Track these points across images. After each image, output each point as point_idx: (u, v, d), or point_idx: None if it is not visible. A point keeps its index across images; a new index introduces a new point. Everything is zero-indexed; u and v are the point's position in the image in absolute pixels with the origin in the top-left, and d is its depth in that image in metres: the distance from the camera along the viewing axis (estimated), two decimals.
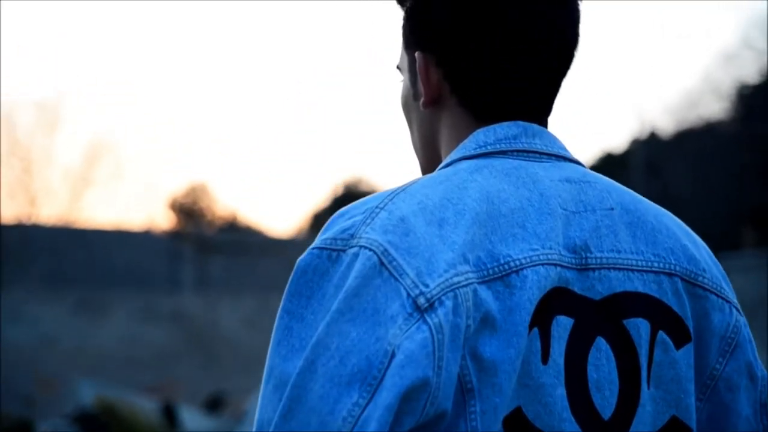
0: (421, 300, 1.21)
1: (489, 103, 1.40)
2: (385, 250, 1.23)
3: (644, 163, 24.30)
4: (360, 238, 1.24)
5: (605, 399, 1.29)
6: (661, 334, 1.33)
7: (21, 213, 27.05)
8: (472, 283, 1.24)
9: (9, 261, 19.06)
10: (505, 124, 1.38)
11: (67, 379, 15.33)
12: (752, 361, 1.40)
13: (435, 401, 1.20)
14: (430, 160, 1.46)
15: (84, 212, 42.60)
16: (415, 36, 1.44)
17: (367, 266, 1.22)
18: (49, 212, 31.78)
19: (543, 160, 1.37)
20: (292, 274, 1.25)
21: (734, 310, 1.40)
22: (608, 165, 25.11)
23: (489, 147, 1.36)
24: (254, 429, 1.22)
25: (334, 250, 1.24)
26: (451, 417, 1.23)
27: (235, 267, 20.38)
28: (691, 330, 1.35)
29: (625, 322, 1.32)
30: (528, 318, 1.25)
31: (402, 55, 1.49)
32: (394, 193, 1.29)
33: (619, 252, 1.34)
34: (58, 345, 16.15)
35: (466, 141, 1.38)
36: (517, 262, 1.27)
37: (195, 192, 41.02)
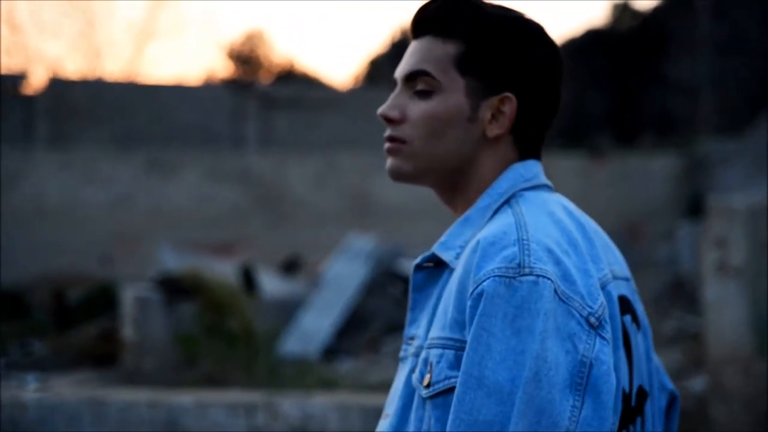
0: (592, 319, 1.54)
1: (534, 145, 1.72)
2: (554, 279, 1.53)
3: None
4: (531, 267, 1.53)
5: (623, 374, 1.65)
6: (633, 326, 1.71)
7: (85, 68, 27.21)
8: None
9: (78, 118, 19.29)
10: (531, 161, 1.71)
11: (145, 240, 15.74)
12: (644, 320, 1.80)
13: None
14: (446, 170, 1.70)
15: (146, 66, 42.70)
16: (508, 78, 1.66)
17: (551, 293, 1.52)
18: (112, 67, 31.90)
19: (550, 191, 1.72)
20: (482, 299, 1.53)
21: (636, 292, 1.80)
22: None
23: (532, 181, 1.69)
24: (467, 428, 1.49)
25: (507, 277, 1.53)
26: None
27: (299, 122, 20.46)
28: (640, 318, 1.76)
29: (622, 317, 1.67)
30: (619, 324, 1.63)
31: (444, 71, 1.66)
32: (523, 225, 1.58)
33: (612, 265, 1.70)
34: (134, 205, 16.50)
35: (509, 172, 1.68)
36: (602, 281, 1.61)
37: (252, 40, 40.81)
